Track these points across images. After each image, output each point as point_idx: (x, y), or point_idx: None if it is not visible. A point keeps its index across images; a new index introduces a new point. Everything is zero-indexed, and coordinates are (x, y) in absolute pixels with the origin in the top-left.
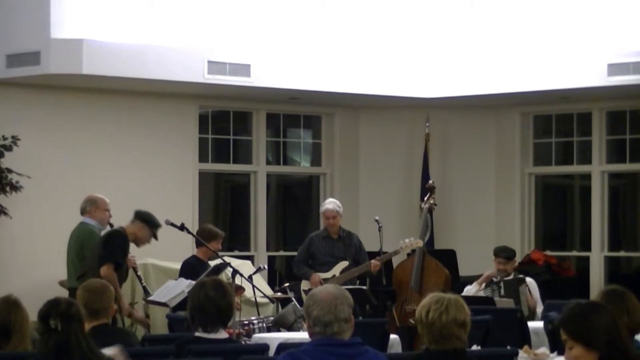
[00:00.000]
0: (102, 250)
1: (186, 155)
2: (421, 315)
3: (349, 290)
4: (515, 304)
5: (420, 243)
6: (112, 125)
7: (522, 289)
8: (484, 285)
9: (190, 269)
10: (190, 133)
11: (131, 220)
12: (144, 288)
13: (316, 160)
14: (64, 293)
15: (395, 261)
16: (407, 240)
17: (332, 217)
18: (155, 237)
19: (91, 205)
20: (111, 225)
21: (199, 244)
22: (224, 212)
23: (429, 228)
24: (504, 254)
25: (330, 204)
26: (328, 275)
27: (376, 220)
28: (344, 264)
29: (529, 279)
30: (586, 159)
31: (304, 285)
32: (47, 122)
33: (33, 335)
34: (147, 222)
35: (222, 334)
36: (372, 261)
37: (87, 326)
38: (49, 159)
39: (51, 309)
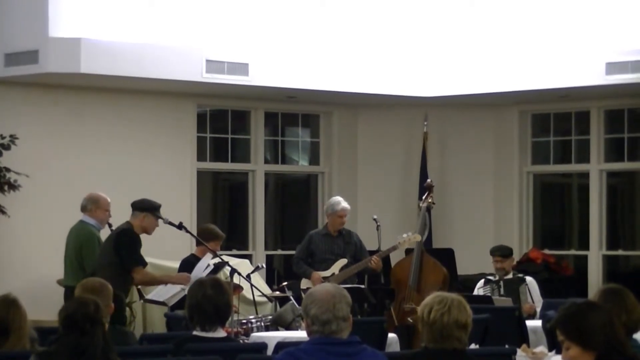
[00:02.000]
0: (122, 256)
1: (184, 154)
2: (423, 314)
3: (347, 288)
4: (514, 303)
5: (419, 238)
6: (110, 124)
7: (522, 289)
8: (482, 282)
9: (188, 267)
10: (189, 132)
11: (131, 214)
12: (138, 290)
13: (314, 159)
14: (61, 292)
15: (394, 260)
16: (405, 236)
17: (345, 215)
18: (161, 218)
19: (92, 204)
20: (110, 225)
21: (198, 243)
22: (222, 211)
23: (427, 227)
24: (500, 252)
25: (344, 202)
26: (327, 273)
27: (374, 219)
28: (342, 261)
29: (529, 278)
30: (584, 157)
31: (304, 284)
32: (45, 121)
33: (31, 334)
34: (146, 209)
35: (220, 333)
36: (373, 257)
37: None
38: (47, 158)
39: (79, 309)
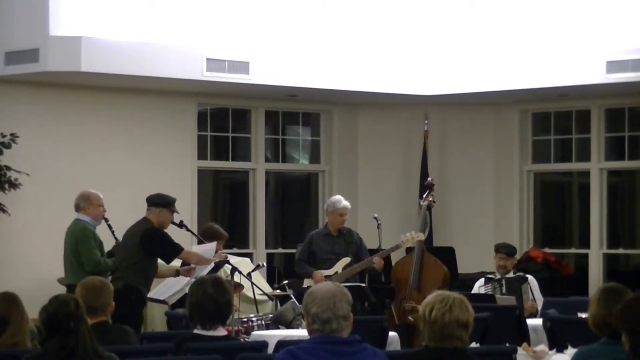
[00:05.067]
0: (161, 254)
1: (185, 153)
2: (424, 313)
3: (348, 287)
4: (517, 301)
5: (422, 237)
6: (110, 122)
7: (524, 288)
8: (482, 281)
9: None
10: (189, 130)
11: (147, 209)
12: None
13: (315, 158)
14: (62, 290)
15: (394, 258)
16: (407, 235)
17: (345, 214)
18: (176, 212)
19: (84, 202)
20: (106, 220)
21: (200, 242)
22: (222, 209)
23: (427, 225)
24: (505, 250)
25: (345, 201)
26: (330, 272)
27: (375, 218)
28: (345, 260)
29: (530, 277)
30: (585, 156)
31: (307, 283)
32: (45, 120)
33: (31, 328)
34: (160, 205)
35: (221, 332)
36: (375, 258)
37: None
38: (47, 157)
39: (60, 308)
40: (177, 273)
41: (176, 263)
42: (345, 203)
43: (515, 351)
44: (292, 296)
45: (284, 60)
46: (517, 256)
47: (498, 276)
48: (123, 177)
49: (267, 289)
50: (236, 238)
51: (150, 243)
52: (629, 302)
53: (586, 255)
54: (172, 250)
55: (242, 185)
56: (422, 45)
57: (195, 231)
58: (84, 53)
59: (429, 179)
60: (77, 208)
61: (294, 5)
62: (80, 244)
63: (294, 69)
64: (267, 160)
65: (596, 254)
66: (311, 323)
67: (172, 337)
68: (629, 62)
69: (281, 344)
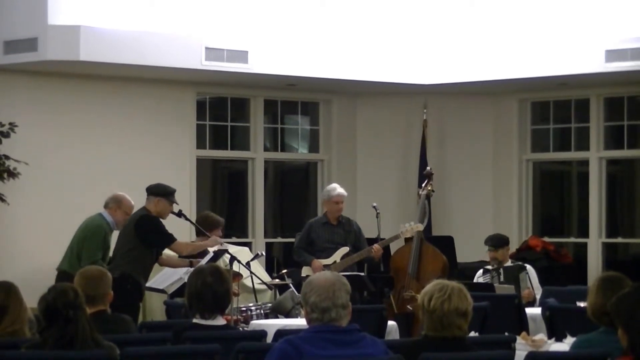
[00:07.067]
0: (152, 242)
1: (184, 142)
2: (423, 302)
3: (347, 276)
4: (515, 290)
5: (421, 227)
6: (109, 112)
7: (522, 276)
8: (481, 272)
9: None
10: (188, 119)
11: (146, 199)
12: None
13: (314, 147)
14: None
15: (393, 248)
16: (407, 225)
17: (341, 201)
18: (175, 203)
19: (114, 203)
20: None
21: (198, 232)
22: (221, 198)
23: (426, 214)
24: (490, 242)
25: (339, 188)
26: (329, 261)
27: (374, 207)
28: (344, 250)
29: (528, 267)
30: (584, 145)
31: (305, 271)
32: (44, 109)
33: (30, 317)
34: (159, 194)
35: (220, 321)
36: (375, 245)
37: None
38: (46, 146)
39: (59, 297)
40: (190, 264)
41: (169, 253)
42: (340, 191)
43: (514, 340)
44: (291, 285)
45: (282, 49)
46: (516, 245)
47: (494, 266)
48: (121, 166)
49: (266, 278)
50: (235, 227)
51: (143, 230)
52: (623, 295)
53: (585, 245)
54: (165, 239)
55: (240, 175)
56: (421, 35)
57: (194, 220)
58: (83, 42)
59: (428, 168)
60: (106, 205)
61: None
62: (87, 239)
63: (293, 58)
64: (266, 149)
65: (595, 243)
66: (310, 312)
67: (171, 326)
68: (628, 51)
69: (280, 333)
